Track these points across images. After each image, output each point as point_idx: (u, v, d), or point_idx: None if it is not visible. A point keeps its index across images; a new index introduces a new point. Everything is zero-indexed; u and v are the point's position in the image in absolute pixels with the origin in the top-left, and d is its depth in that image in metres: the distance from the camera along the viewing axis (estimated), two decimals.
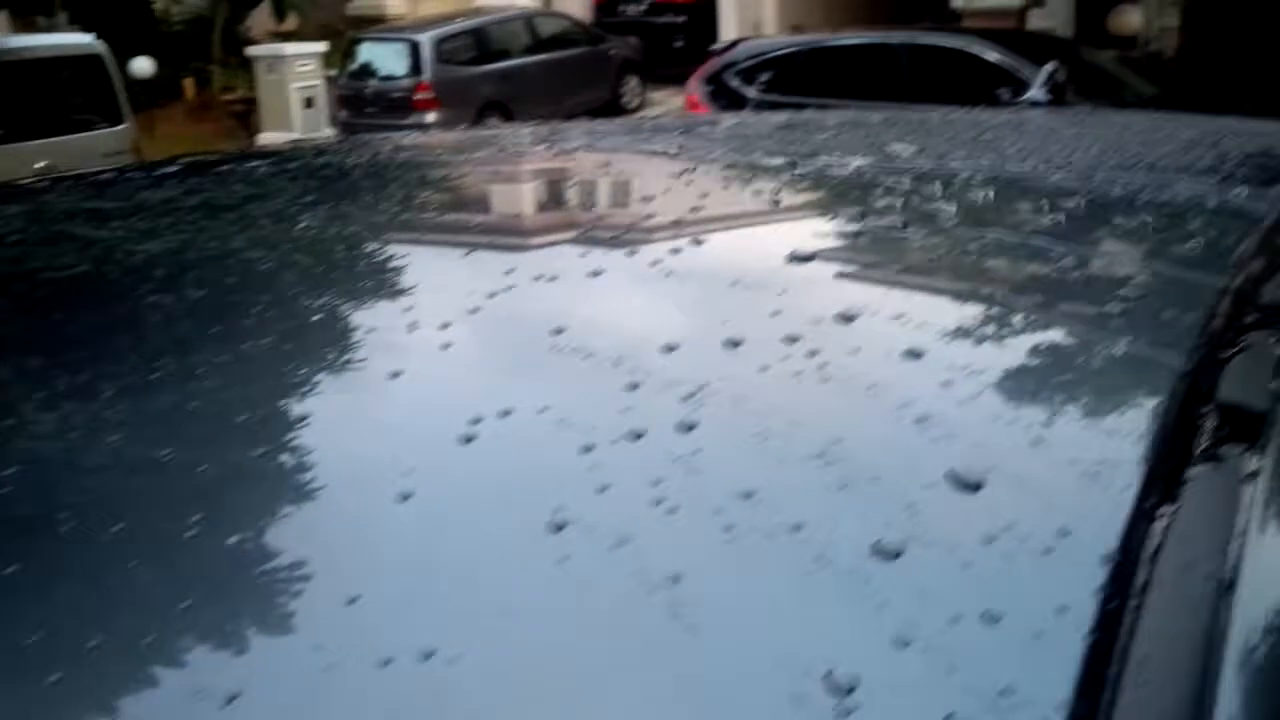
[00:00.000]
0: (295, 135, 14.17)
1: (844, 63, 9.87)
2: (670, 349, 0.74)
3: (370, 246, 1.04)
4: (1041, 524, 0.55)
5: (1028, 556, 0.53)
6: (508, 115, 13.83)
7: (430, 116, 13.27)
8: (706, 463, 0.61)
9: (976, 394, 0.67)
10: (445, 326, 0.80)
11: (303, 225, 1.08)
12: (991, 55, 8.98)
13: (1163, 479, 0.57)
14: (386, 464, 0.63)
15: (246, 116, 14.67)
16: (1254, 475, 0.57)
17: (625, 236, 1.00)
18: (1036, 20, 12.83)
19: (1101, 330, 0.77)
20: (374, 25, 16.00)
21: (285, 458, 0.66)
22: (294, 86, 14.23)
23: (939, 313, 0.80)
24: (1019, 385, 0.69)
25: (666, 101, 15.54)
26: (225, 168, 1.45)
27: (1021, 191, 1.16)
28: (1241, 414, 0.65)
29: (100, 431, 0.71)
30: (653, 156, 1.39)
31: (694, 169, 1.27)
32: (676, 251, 0.93)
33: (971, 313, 0.82)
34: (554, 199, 1.27)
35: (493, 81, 13.87)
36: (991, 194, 1.13)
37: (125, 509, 0.61)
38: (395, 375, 0.74)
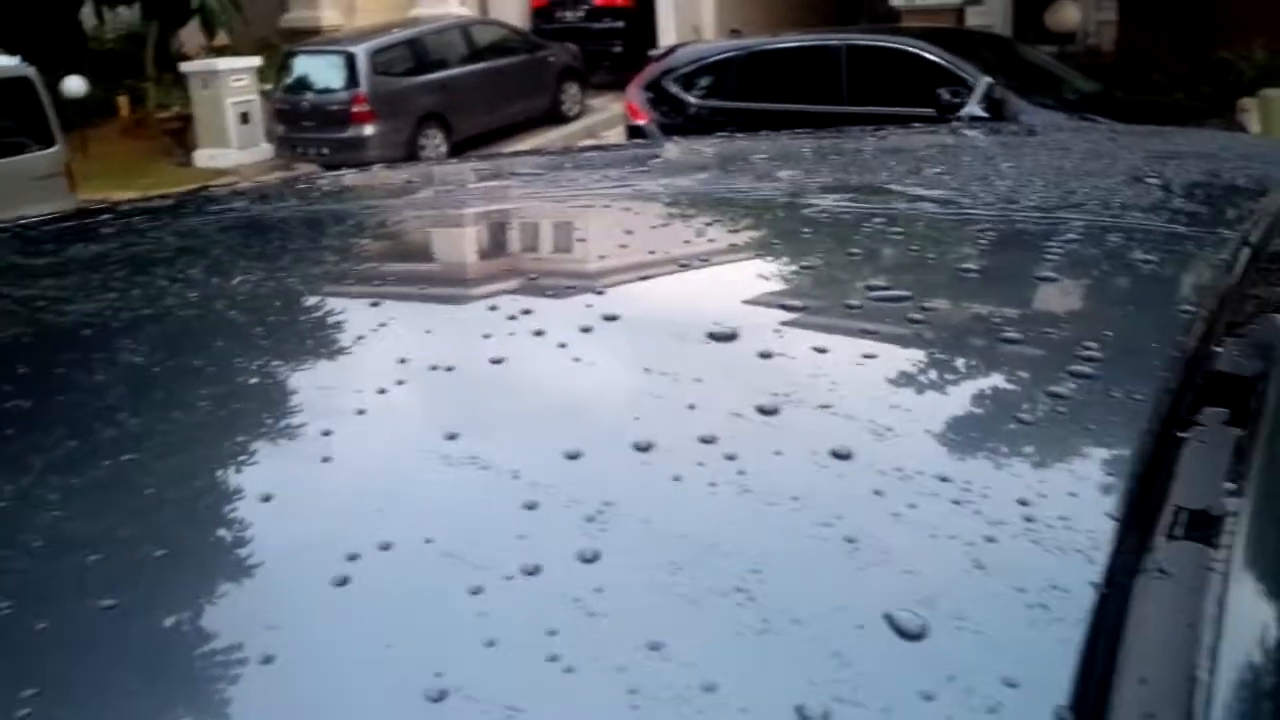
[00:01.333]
0: (232, 151, 14.00)
1: (783, 66, 9.87)
2: (573, 456, 0.67)
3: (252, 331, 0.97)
4: (989, 674, 0.49)
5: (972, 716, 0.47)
6: (446, 126, 13.78)
7: (368, 129, 13.17)
8: (609, 605, 0.54)
9: (912, 504, 0.61)
10: (326, 434, 0.73)
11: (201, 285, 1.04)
12: (931, 55, 8.98)
13: (1116, 609, 0.52)
14: (248, 612, 0.57)
15: (182, 133, 14.44)
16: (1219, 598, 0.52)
17: (533, 309, 0.91)
18: (975, 18, 12.89)
19: (1053, 416, 0.70)
20: (309, 38, 15.83)
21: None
22: (229, 102, 14.04)
23: (870, 401, 0.73)
24: (961, 491, 0.62)
25: (606, 108, 15.51)
26: (153, 218, 1.42)
27: (965, 237, 1.10)
28: (1200, 517, 0.59)
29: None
30: (570, 203, 1.33)
31: (604, 215, 1.21)
32: (586, 330, 0.85)
33: (906, 400, 0.75)
34: (459, 264, 1.20)
35: (430, 92, 13.78)
36: (935, 245, 1.08)
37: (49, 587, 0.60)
38: (266, 498, 0.66)
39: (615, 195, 1.33)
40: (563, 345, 0.82)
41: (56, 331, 0.98)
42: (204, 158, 14.16)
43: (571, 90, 15.66)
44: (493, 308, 0.91)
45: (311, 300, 1.01)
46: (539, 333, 0.85)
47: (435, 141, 13.73)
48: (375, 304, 0.97)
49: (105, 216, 1.43)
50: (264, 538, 0.62)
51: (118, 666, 0.53)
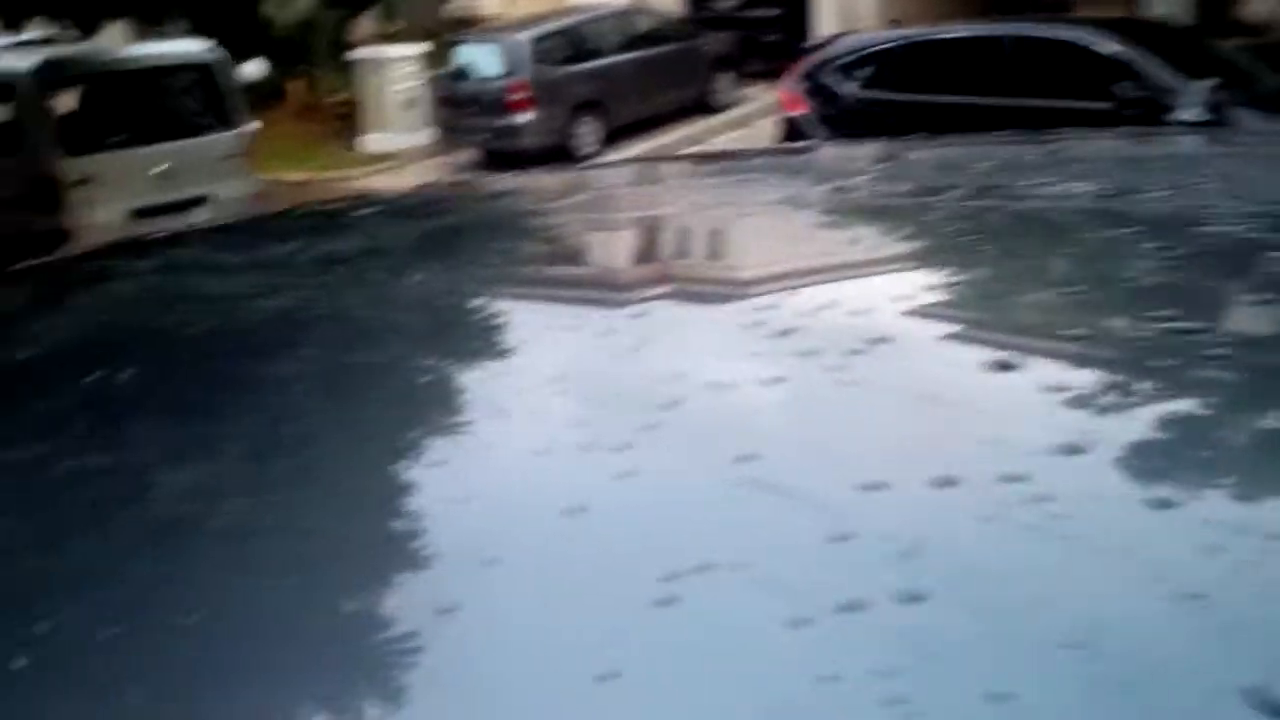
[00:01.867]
0: (396, 135, 14.33)
1: (946, 57, 9.63)
2: (874, 488, 0.65)
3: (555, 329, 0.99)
4: None
5: None
6: (600, 113, 13.86)
7: (526, 116, 13.34)
8: (944, 648, 0.52)
9: (1255, 562, 0.57)
10: (623, 448, 0.72)
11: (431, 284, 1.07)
12: (1107, 47, 8.63)
13: None
14: (574, 628, 0.57)
15: (350, 118, 14.86)
16: None
17: (796, 327, 0.89)
18: (1156, 7, 12.36)
19: None
20: (471, 26, 16.11)
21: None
22: (394, 89, 14.39)
23: (1184, 444, 0.69)
24: None
25: (759, 97, 15.35)
26: (335, 220, 1.46)
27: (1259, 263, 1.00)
28: None
29: (222, 492, 0.71)
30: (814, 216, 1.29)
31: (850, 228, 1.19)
32: (855, 352, 0.82)
33: (1225, 443, 0.71)
34: (717, 277, 1.16)
35: (586, 81, 13.89)
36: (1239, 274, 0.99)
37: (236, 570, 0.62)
38: (580, 510, 0.66)
39: (864, 210, 1.30)
40: (835, 368, 0.81)
41: (296, 324, 1.02)
42: (369, 142, 14.54)
43: (724, 79, 15.56)
44: (757, 323, 0.89)
45: (575, 313, 1.03)
46: (809, 353, 0.84)
47: (589, 130, 13.85)
48: (639, 316, 0.97)
49: (290, 219, 1.49)
50: (581, 552, 0.63)
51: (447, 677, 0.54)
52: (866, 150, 1.72)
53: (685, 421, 0.75)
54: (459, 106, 13.83)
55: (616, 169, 1.73)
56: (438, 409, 0.84)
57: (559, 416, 0.79)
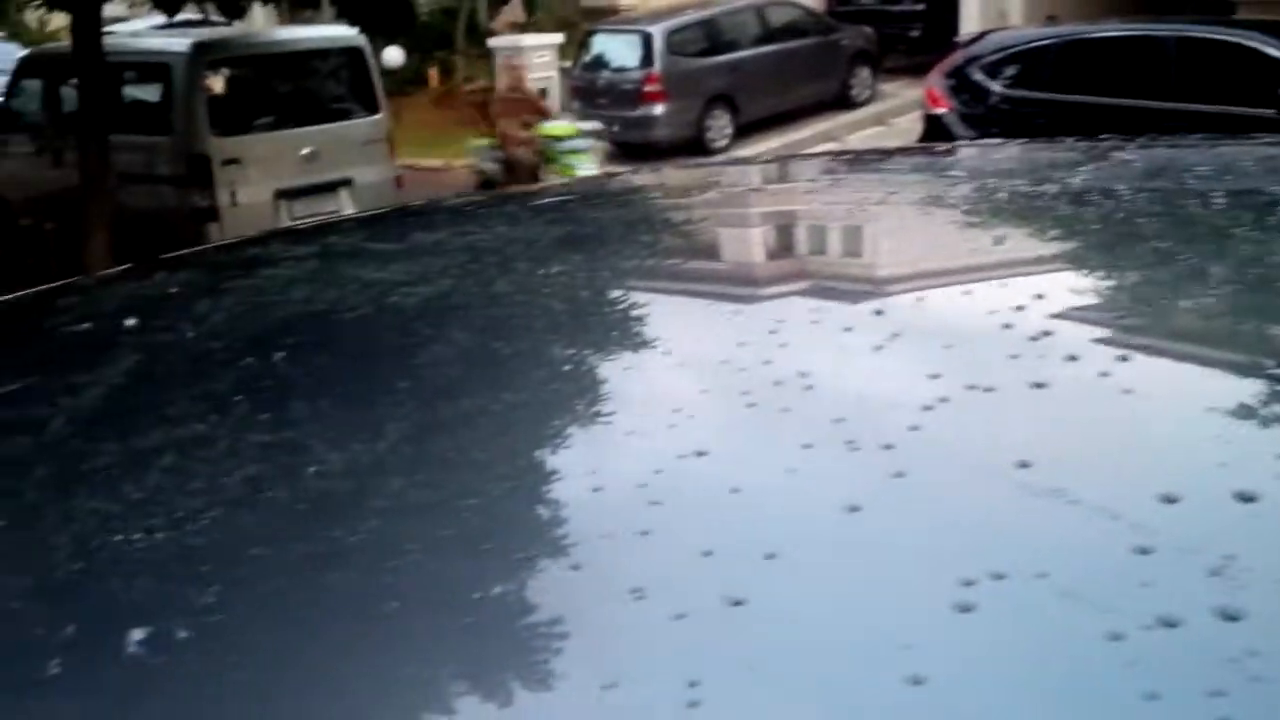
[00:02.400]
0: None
1: (1103, 56, 9.36)
2: (1171, 500, 0.62)
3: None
4: None
5: None
6: (733, 107, 13.79)
7: (658, 108, 13.33)
8: (1268, 671, 0.49)
9: None
10: (888, 447, 0.69)
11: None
12: (1276, 50, 8.31)
13: None
14: (880, 633, 0.54)
15: (485, 106, 14.96)
16: None
17: (1051, 331, 0.85)
18: None
19: None
20: (607, 17, 16.13)
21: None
22: (530, 78, 14.44)
23: None
24: None
25: (898, 94, 15.17)
26: (483, 211, 1.50)
27: None
28: None
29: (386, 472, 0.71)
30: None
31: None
32: (1122, 359, 0.80)
33: None
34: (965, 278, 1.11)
35: (721, 73, 13.82)
36: None
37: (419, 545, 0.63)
38: (853, 509, 0.63)
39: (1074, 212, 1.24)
40: (1098, 376, 0.77)
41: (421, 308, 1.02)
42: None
43: (863, 75, 15.38)
44: (1008, 325, 0.86)
45: (815, 309, 1.00)
46: (1070, 359, 0.80)
47: (721, 123, 13.77)
48: (879, 313, 0.96)
49: (442, 209, 1.53)
50: (864, 552, 0.61)
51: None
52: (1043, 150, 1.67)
53: (947, 423, 0.73)
54: (590, 97, 13.85)
55: (775, 163, 1.73)
56: (697, 404, 0.82)
57: (817, 413, 0.76)
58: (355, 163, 9.28)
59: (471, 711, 0.51)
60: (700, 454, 0.70)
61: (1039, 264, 1.09)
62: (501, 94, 12.53)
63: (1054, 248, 1.14)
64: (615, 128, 13.37)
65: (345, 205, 8.99)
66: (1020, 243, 1.15)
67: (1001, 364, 0.81)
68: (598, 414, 0.79)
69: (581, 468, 0.71)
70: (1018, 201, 1.28)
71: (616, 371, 0.86)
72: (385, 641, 0.55)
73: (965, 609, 0.54)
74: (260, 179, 8.84)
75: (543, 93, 14.50)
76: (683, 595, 0.57)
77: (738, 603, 0.55)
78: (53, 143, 9.61)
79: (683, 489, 0.68)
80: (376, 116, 9.69)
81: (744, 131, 13.82)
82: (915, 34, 16.12)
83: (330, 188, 9.06)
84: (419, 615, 0.57)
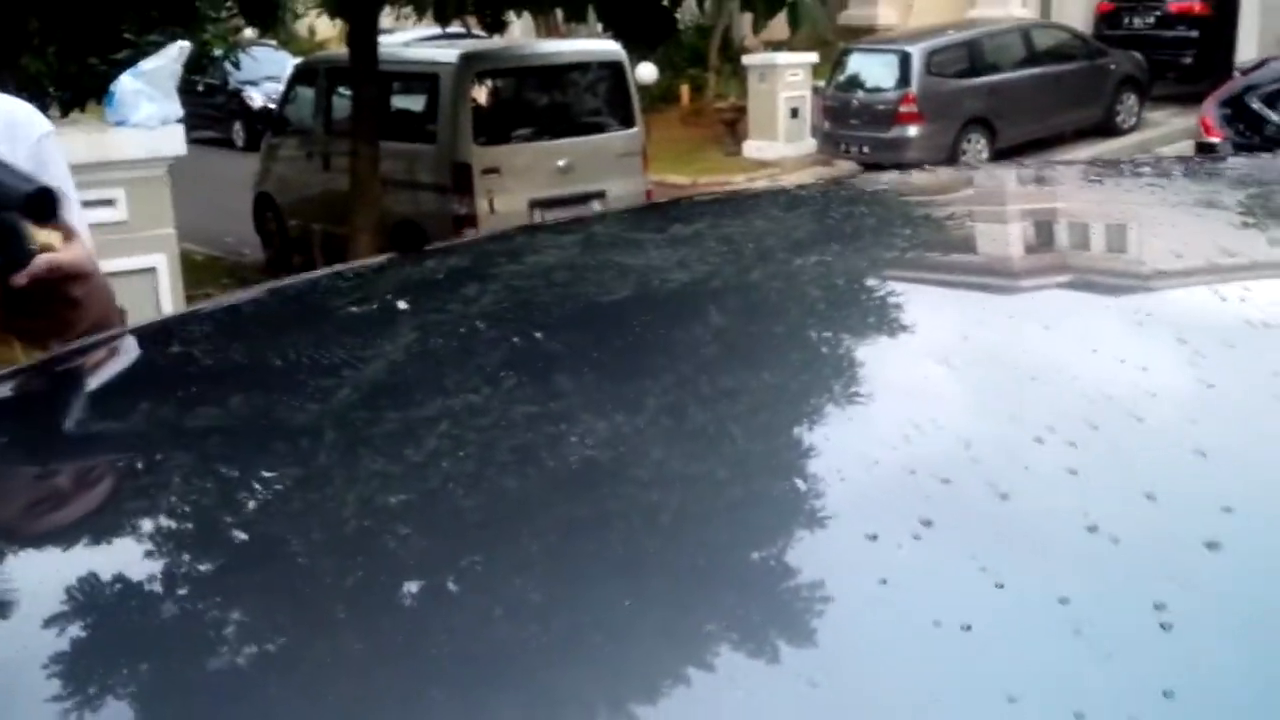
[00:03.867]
0: (778, 144, 14.40)
1: None
2: None
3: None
4: None
5: None
6: (990, 131, 13.41)
7: (913, 130, 13.08)
8: None
9: None
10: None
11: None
12: None
13: None
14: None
15: (735, 124, 15.04)
16: None
17: None
18: None
19: None
20: (864, 35, 15.97)
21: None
22: (783, 96, 14.44)
23: None
24: None
25: (1166, 122, 14.49)
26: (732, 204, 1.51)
27: None
28: None
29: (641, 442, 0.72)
30: None
31: None
32: None
33: None
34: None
35: (979, 96, 13.45)
36: None
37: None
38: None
39: None
40: None
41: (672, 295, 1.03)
42: (752, 149, 14.67)
43: (1129, 101, 14.74)
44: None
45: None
46: None
47: (977, 148, 13.41)
48: (1141, 309, 0.93)
49: (691, 205, 1.57)
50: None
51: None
52: None
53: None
54: (842, 117, 13.70)
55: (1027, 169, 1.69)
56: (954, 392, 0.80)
57: (1076, 407, 0.73)
58: (609, 175, 9.44)
59: (735, 665, 0.51)
60: (967, 444, 0.69)
61: None
62: None
63: None
64: (865, 149, 13.20)
65: None
66: None
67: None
68: (855, 396, 0.78)
69: (832, 448, 0.70)
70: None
71: (873, 356, 0.86)
72: (652, 596, 0.56)
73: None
74: (517, 189, 9.09)
75: (794, 112, 14.49)
76: (935, 582, 0.56)
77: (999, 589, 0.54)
78: (323, 148, 10.16)
79: (940, 478, 0.66)
80: (632, 130, 9.83)
81: (1000, 156, 13.39)
82: (1188, 61, 15.38)
83: (584, 199, 9.22)
84: (681, 575, 0.58)
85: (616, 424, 0.75)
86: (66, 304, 1.25)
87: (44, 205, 1.21)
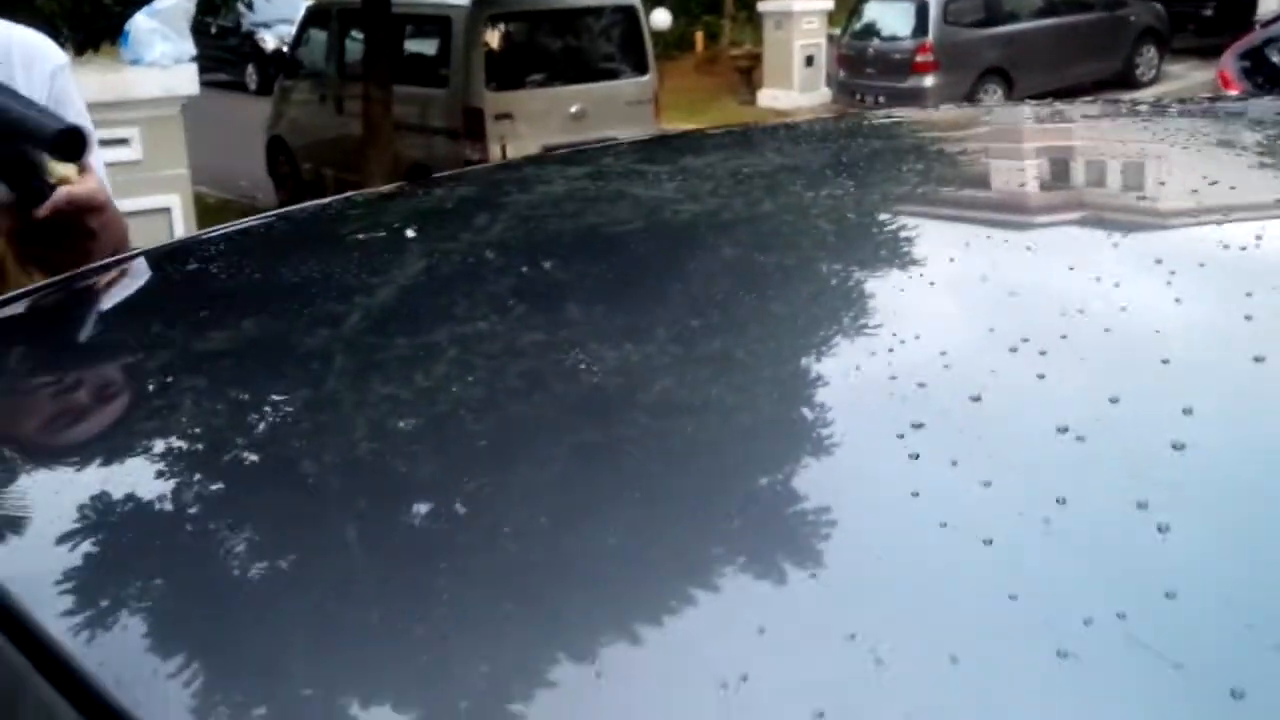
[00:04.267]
0: (793, 92, 14.29)
1: None
2: None
3: None
4: None
5: None
6: (1007, 82, 13.28)
7: (928, 80, 12.96)
8: None
9: None
10: None
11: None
12: None
13: None
14: None
15: (750, 72, 14.91)
16: None
17: None
18: None
19: None
20: None
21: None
22: (798, 44, 14.31)
23: None
24: None
25: (1186, 75, 14.35)
26: (747, 139, 1.51)
27: None
28: None
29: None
30: None
31: None
32: None
33: None
34: None
35: (996, 45, 13.31)
36: None
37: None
38: None
39: None
40: None
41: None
42: (766, 97, 14.57)
43: (1149, 54, 14.57)
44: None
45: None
46: None
47: (994, 99, 13.29)
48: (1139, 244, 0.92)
49: (709, 135, 1.58)
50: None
51: None
52: None
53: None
54: (858, 65, 13.59)
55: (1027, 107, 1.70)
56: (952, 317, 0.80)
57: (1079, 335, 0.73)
58: (621, 122, 9.38)
59: (741, 586, 0.51)
60: (946, 362, 0.69)
61: None
62: None
63: None
64: (881, 99, 13.10)
65: None
66: None
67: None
68: (858, 323, 0.79)
69: (839, 371, 0.71)
70: None
71: (878, 284, 0.86)
72: (659, 515, 0.57)
73: None
74: (529, 134, 9.05)
75: (809, 61, 14.36)
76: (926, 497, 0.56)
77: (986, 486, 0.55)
78: (336, 92, 10.11)
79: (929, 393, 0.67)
80: (645, 78, 9.77)
81: None
82: (1208, 13, 15.17)
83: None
84: (693, 496, 0.59)
85: (624, 349, 0.76)
86: (84, 235, 1.28)
87: (73, 144, 1.23)
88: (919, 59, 13.02)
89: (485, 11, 9.31)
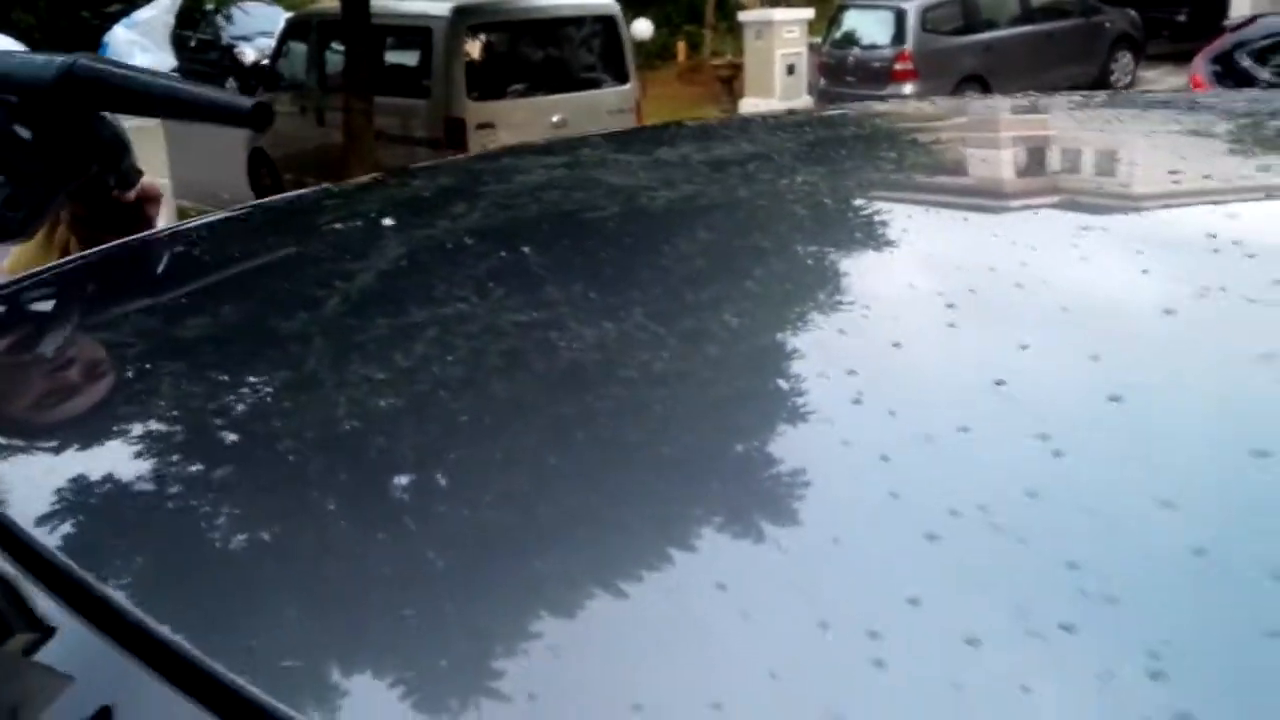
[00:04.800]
0: (774, 101, 14.36)
1: None
2: None
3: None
4: None
5: None
6: (986, 88, 13.36)
7: (908, 88, 13.03)
8: None
9: None
10: None
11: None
12: None
13: None
14: None
15: (731, 81, 15.00)
16: None
17: None
18: None
19: None
20: None
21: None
22: (779, 53, 14.40)
23: None
24: None
25: (1160, 81, 14.46)
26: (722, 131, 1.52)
27: None
28: None
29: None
30: None
31: None
32: None
33: None
34: None
35: (974, 53, 13.42)
36: None
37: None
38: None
39: None
40: None
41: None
42: (747, 106, 14.61)
43: (1124, 59, 14.71)
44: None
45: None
46: None
47: None
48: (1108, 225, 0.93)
49: (678, 128, 1.58)
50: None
51: None
52: None
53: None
54: (838, 74, 13.67)
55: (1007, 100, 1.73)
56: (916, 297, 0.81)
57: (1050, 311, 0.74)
58: None
59: (727, 548, 0.52)
60: (896, 346, 0.72)
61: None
62: None
63: None
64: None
65: None
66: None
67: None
68: (831, 303, 0.81)
69: (812, 348, 0.73)
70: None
71: (851, 267, 0.88)
72: (641, 488, 0.58)
73: None
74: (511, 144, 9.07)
75: (790, 69, 14.44)
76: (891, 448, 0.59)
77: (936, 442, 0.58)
78: (317, 103, 10.13)
79: (890, 376, 0.69)
80: (626, 87, 9.81)
81: None
82: (1182, 19, 15.32)
83: None
84: (680, 463, 0.60)
85: (602, 328, 0.77)
86: (145, 224, 1.32)
87: (265, 116, 1.13)
88: (898, 67, 13.11)
89: (466, 22, 9.34)
